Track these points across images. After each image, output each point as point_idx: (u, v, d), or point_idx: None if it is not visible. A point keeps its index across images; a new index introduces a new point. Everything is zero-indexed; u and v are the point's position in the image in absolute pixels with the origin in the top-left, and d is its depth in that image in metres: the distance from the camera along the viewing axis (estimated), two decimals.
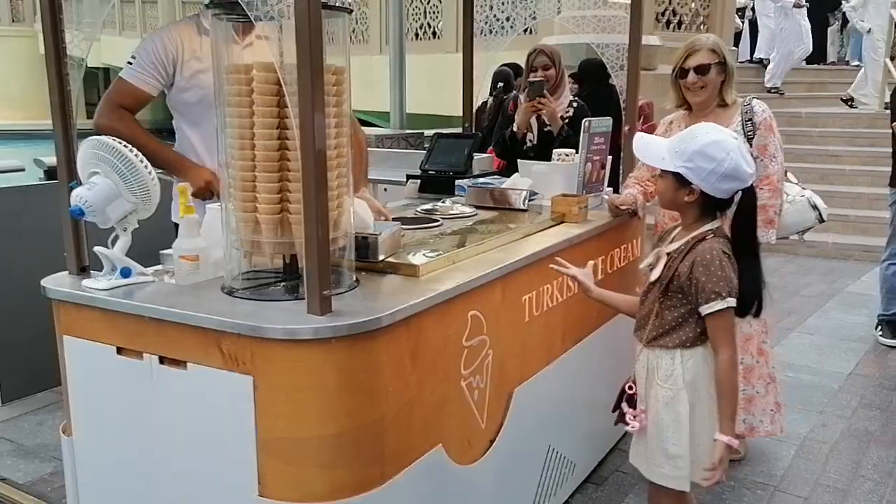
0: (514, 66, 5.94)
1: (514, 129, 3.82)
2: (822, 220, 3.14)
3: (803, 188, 3.17)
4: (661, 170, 2.03)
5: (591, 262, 2.45)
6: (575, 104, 3.83)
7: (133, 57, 2.65)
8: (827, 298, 5.88)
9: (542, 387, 2.48)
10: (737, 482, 3.07)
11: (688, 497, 2.17)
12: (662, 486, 2.13)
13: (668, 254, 2.07)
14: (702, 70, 2.87)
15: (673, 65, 2.96)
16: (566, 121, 3.74)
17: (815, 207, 3.12)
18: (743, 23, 13.54)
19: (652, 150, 2.06)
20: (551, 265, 2.31)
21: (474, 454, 2.15)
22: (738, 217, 2.03)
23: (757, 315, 2.10)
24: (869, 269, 6.63)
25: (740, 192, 1.99)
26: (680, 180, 1.98)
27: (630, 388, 2.17)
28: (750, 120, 2.93)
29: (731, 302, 1.96)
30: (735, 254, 2.01)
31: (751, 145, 2.91)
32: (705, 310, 1.97)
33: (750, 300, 2.03)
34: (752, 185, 2.00)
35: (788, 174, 3.12)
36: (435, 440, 1.95)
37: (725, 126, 2.86)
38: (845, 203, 7.94)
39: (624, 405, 2.17)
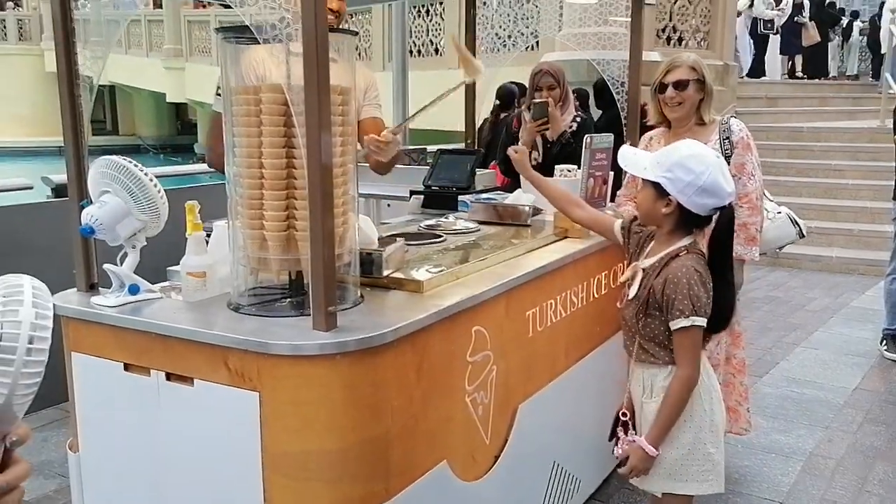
0: (520, 86, 5.99)
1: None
2: (802, 235, 3.21)
3: (779, 205, 3.24)
4: (642, 181, 2.06)
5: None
6: (579, 119, 3.87)
7: (218, 87, 2.66)
8: (832, 313, 5.88)
9: (547, 402, 2.48)
10: (742, 498, 3.07)
11: None
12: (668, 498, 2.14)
13: (643, 269, 2.09)
14: (680, 86, 2.91)
15: (653, 81, 3.01)
16: (570, 130, 3.79)
17: (795, 223, 3.18)
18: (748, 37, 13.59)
19: (636, 160, 2.10)
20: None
21: (479, 470, 2.16)
22: (714, 237, 2.05)
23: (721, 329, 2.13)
24: (873, 283, 6.62)
25: (718, 213, 2.01)
26: (659, 191, 2.01)
27: (624, 414, 2.18)
28: (728, 138, 2.97)
29: (697, 321, 1.97)
30: (712, 270, 2.03)
31: (728, 163, 2.95)
32: (672, 325, 2.00)
33: (721, 319, 2.06)
34: (730, 204, 2.01)
35: (765, 192, 3.16)
36: (439, 456, 1.96)
37: (705, 143, 2.92)
38: (849, 217, 7.95)
39: (620, 431, 2.18)
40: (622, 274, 2.23)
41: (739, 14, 13.53)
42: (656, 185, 2.01)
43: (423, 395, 1.87)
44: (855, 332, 5.39)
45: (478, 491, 2.14)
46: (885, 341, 4.88)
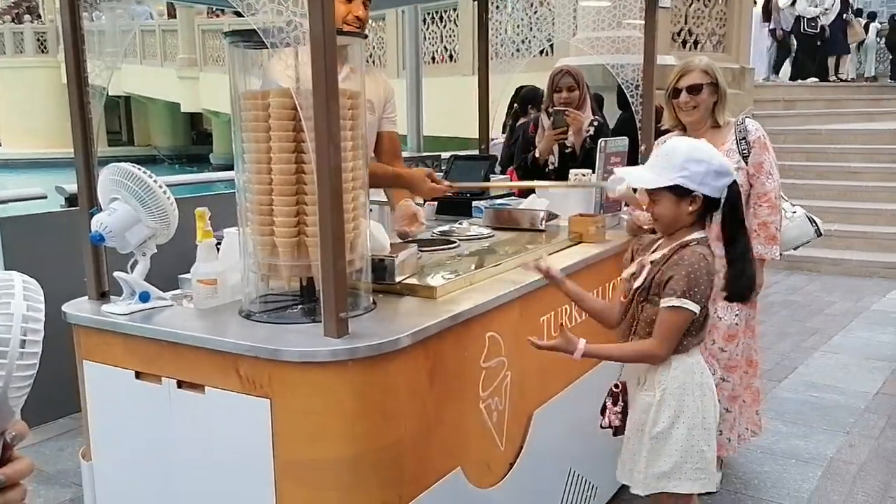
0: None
1: (537, 154, 3.86)
2: (819, 234, 3.19)
3: (793, 205, 3.21)
4: (651, 193, 2.03)
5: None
6: (596, 123, 3.85)
7: None
8: (852, 317, 5.80)
9: (562, 409, 2.45)
10: None
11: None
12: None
13: (651, 262, 2.07)
14: (693, 90, 2.91)
15: (666, 86, 3.00)
16: (589, 134, 3.77)
17: (812, 221, 3.15)
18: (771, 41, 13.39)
19: (639, 176, 2.08)
20: (523, 266, 2.25)
21: (494, 477, 2.13)
22: (725, 207, 2.04)
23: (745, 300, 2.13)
24: (894, 286, 6.54)
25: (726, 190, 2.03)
26: (678, 193, 1.99)
27: (616, 385, 2.18)
28: (744, 139, 2.96)
29: (687, 304, 1.95)
30: (728, 240, 2.04)
31: (746, 163, 2.94)
32: (662, 302, 1.98)
33: (743, 288, 2.07)
34: (734, 181, 2.03)
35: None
36: (453, 463, 1.94)
37: (720, 145, 2.90)
38: (867, 220, 7.85)
39: (608, 400, 2.19)
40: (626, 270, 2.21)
41: (769, 19, 13.31)
42: (674, 189, 1.99)
43: (437, 402, 1.85)
44: (875, 335, 5.31)
45: (492, 498, 2.11)
46: None
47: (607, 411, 2.19)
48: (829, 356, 4.88)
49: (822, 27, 12.97)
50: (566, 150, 3.81)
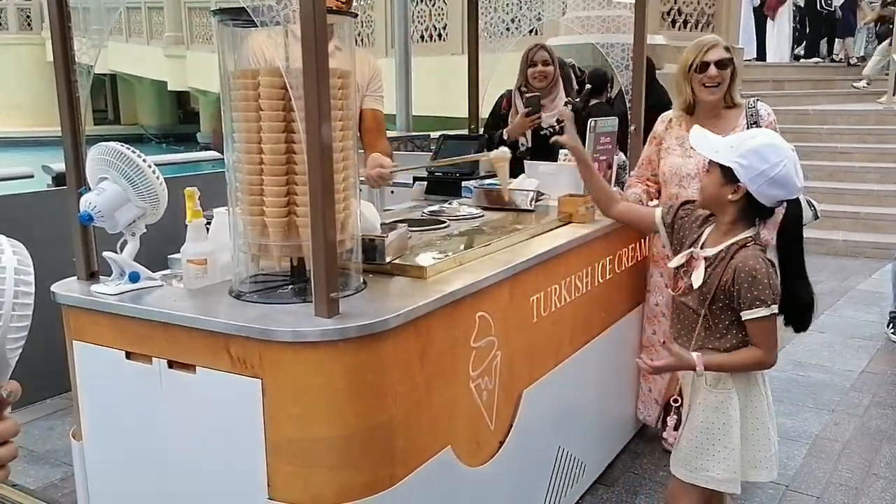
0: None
1: (505, 136, 3.86)
2: (816, 217, 3.19)
3: None
4: (709, 164, 2.02)
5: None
6: (569, 107, 3.85)
7: None
8: (838, 296, 5.85)
9: (551, 388, 2.47)
10: (749, 482, 3.05)
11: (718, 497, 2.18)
12: (690, 486, 2.12)
13: (706, 258, 2.04)
14: (721, 65, 2.81)
15: (685, 64, 2.86)
16: (562, 123, 3.78)
17: (810, 205, 3.15)
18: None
19: (708, 142, 2.05)
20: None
21: (484, 456, 2.15)
22: (785, 230, 2.01)
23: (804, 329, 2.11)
24: (880, 266, 6.59)
25: (784, 205, 1.98)
26: (727, 176, 1.96)
27: (675, 400, 2.17)
28: (755, 123, 2.90)
29: (775, 309, 1.96)
30: (783, 271, 2.01)
31: None
32: (748, 315, 1.96)
33: (804, 317, 2.06)
34: (797, 198, 1.99)
35: None
36: (444, 442, 1.95)
37: (732, 128, 2.85)
38: (855, 200, 7.90)
39: (669, 417, 2.18)
40: (670, 260, 2.20)
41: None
42: (725, 170, 1.96)
43: (427, 381, 1.86)
44: (861, 315, 5.37)
45: (483, 476, 2.13)
46: (891, 324, 4.85)
47: (668, 427, 2.17)
48: (815, 335, 4.93)
49: (835, 8, 12.90)
50: (540, 133, 3.81)
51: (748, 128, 2.87)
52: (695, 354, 2.01)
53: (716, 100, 2.87)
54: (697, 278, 2.04)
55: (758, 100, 3.02)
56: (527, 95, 3.81)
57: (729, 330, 2.04)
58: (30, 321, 0.80)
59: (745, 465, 2.08)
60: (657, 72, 5.89)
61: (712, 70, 2.80)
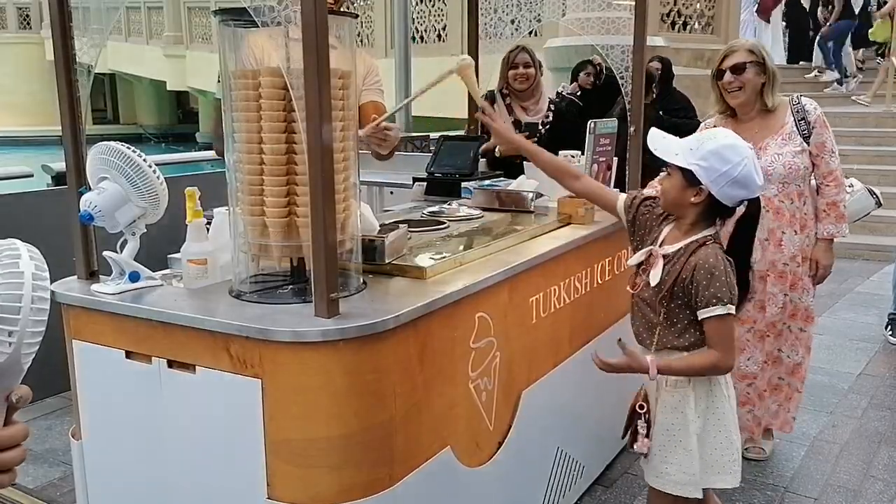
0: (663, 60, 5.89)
1: (497, 153, 3.85)
2: (880, 205, 3.16)
3: (847, 177, 3.18)
4: (670, 167, 2.00)
5: None
6: (553, 107, 3.87)
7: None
8: (836, 298, 5.86)
9: (550, 389, 2.47)
10: (747, 483, 3.06)
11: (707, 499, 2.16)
12: (666, 496, 2.10)
13: (664, 256, 2.03)
14: (737, 70, 2.83)
15: (712, 71, 2.94)
16: (547, 126, 3.83)
17: (872, 193, 3.13)
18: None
19: (666, 144, 2.02)
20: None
21: (483, 456, 2.15)
22: (742, 221, 2.01)
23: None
24: (878, 268, 6.60)
25: (745, 203, 1.98)
26: (689, 179, 1.95)
27: (641, 406, 2.10)
28: (803, 119, 2.89)
29: (732, 309, 1.93)
30: (731, 253, 2.00)
31: (808, 144, 2.90)
32: (705, 313, 1.94)
33: (741, 300, 2.02)
34: (758, 197, 1.98)
35: None
36: (443, 442, 1.96)
37: (778, 129, 2.85)
38: None
39: (640, 423, 2.10)
40: (630, 257, 2.18)
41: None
42: (686, 173, 1.95)
43: (427, 382, 1.86)
44: (860, 317, 5.37)
45: (481, 477, 2.14)
46: (890, 326, 4.86)
47: (639, 436, 2.08)
48: (814, 337, 4.92)
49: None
50: (521, 131, 3.82)
51: (796, 124, 2.88)
52: (649, 357, 1.99)
53: (741, 103, 2.90)
54: (655, 276, 2.02)
55: (801, 95, 3.03)
56: (488, 90, 3.77)
57: (687, 329, 2.01)
58: (45, 327, 0.80)
59: (707, 469, 2.04)
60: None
61: (728, 76, 2.86)
